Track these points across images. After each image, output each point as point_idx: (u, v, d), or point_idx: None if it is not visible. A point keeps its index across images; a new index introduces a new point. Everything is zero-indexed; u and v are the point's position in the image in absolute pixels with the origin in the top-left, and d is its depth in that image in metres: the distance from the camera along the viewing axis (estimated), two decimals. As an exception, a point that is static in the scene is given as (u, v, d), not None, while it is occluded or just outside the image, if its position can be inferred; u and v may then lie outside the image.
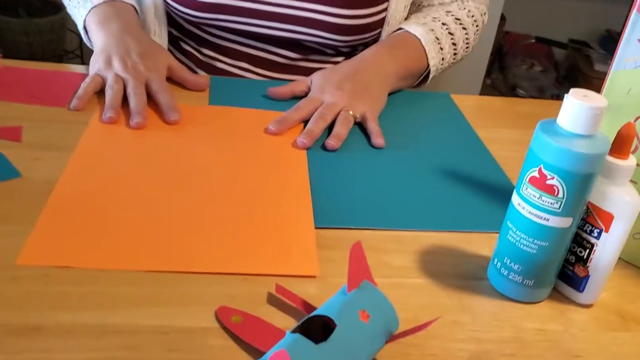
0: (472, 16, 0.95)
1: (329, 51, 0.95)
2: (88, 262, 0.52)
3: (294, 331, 0.44)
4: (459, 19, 0.93)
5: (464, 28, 0.93)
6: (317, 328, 0.46)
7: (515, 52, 2.83)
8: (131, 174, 0.64)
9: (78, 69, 0.86)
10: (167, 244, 0.55)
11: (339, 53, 0.96)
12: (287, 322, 0.49)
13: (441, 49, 0.90)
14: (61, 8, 2.08)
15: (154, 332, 0.47)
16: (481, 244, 0.61)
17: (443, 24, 0.91)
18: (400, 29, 0.91)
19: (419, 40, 0.88)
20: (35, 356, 0.43)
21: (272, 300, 0.51)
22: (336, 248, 0.58)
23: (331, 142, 0.73)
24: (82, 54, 2.17)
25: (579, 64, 2.75)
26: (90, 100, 0.76)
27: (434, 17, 0.92)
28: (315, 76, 0.83)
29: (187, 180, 0.64)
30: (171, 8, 0.90)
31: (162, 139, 0.71)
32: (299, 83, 0.84)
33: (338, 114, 0.77)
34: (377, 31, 0.93)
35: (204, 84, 0.83)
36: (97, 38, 0.82)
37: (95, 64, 0.79)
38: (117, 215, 0.58)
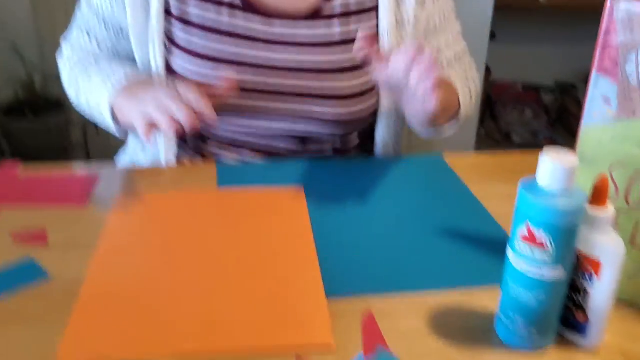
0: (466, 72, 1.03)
1: (326, 139, 1.00)
2: (124, 355, 0.56)
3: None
4: (457, 74, 1.01)
5: (466, 78, 1.01)
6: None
7: (505, 100, 2.92)
8: (150, 263, 0.69)
9: (89, 169, 0.91)
10: (193, 327, 0.59)
11: (335, 142, 1.02)
12: (310, 393, 0.52)
13: (460, 90, 0.96)
14: (64, 105, 2.17)
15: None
16: (486, 297, 0.64)
17: (449, 78, 0.98)
18: None
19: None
20: None
21: (294, 373, 0.55)
22: (347, 316, 0.61)
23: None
24: (87, 146, 2.25)
25: (567, 105, 2.83)
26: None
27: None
28: None
29: (203, 263, 0.69)
30: None
31: (175, 226, 0.76)
32: None
33: None
34: (372, 119, 0.99)
35: (231, 89, 0.85)
36: (124, 105, 0.86)
37: (137, 115, 0.81)
38: (140, 305, 0.62)
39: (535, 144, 2.74)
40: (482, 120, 2.76)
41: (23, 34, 2.23)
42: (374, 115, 0.99)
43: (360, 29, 0.93)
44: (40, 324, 0.60)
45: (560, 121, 2.92)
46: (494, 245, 0.73)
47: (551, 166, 0.50)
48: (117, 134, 0.94)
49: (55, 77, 1.16)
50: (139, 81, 0.90)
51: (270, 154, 0.99)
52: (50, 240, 0.73)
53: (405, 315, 0.62)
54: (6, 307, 0.62)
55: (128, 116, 0.86)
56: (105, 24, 0.96)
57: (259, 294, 0.64)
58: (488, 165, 0.96)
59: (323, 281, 0.66)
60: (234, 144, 0.98)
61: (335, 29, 0.92)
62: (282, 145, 0.98)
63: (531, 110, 2.92)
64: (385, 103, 0.98)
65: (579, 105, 2.74)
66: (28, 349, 0.56)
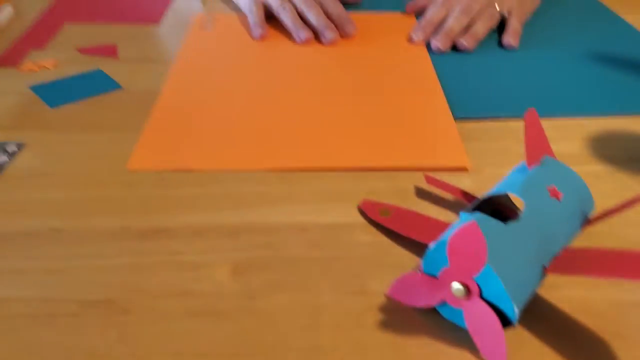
0: None
1: None
2: (207, 164, 0.46)
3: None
4: None
5: None
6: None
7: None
8: (243, 75, 0.58)
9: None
10: (292, 142, 0.48)
11: None
12: (442, 217, 0.41)
13: None
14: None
15: (292, 228, 0.40)
16: (658, 125, 0.51)
17: None
18: None
19: None
20: (165, 258, 0.37)
21: (420, 194, 0.43)
22: (482, 139, 0.49)
23: (465, 42, 0.63)
24: None
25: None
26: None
27: None
28: None
29: (311, 78, 0.57)
30: None
31: (266, 44, 0.64)
32: None
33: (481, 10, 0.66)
34: None
35: None
36: None
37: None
38: (231, 117, 0.51)
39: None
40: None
41: None
42: None
43: None
44: (115, 130, 0.50)
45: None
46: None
47: None
48: None
49: None
50: None
51: None
52: (121, 55, 0.63)
53: (559, 140, 0.49)
54: (81, 114, 0.53)
55: None
56: None
57: (375, 113, 0.52)
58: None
59: (449, 105, 0.53)
60: None
61: None
62: None
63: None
64: None
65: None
66: (102, 154, 0.47)
